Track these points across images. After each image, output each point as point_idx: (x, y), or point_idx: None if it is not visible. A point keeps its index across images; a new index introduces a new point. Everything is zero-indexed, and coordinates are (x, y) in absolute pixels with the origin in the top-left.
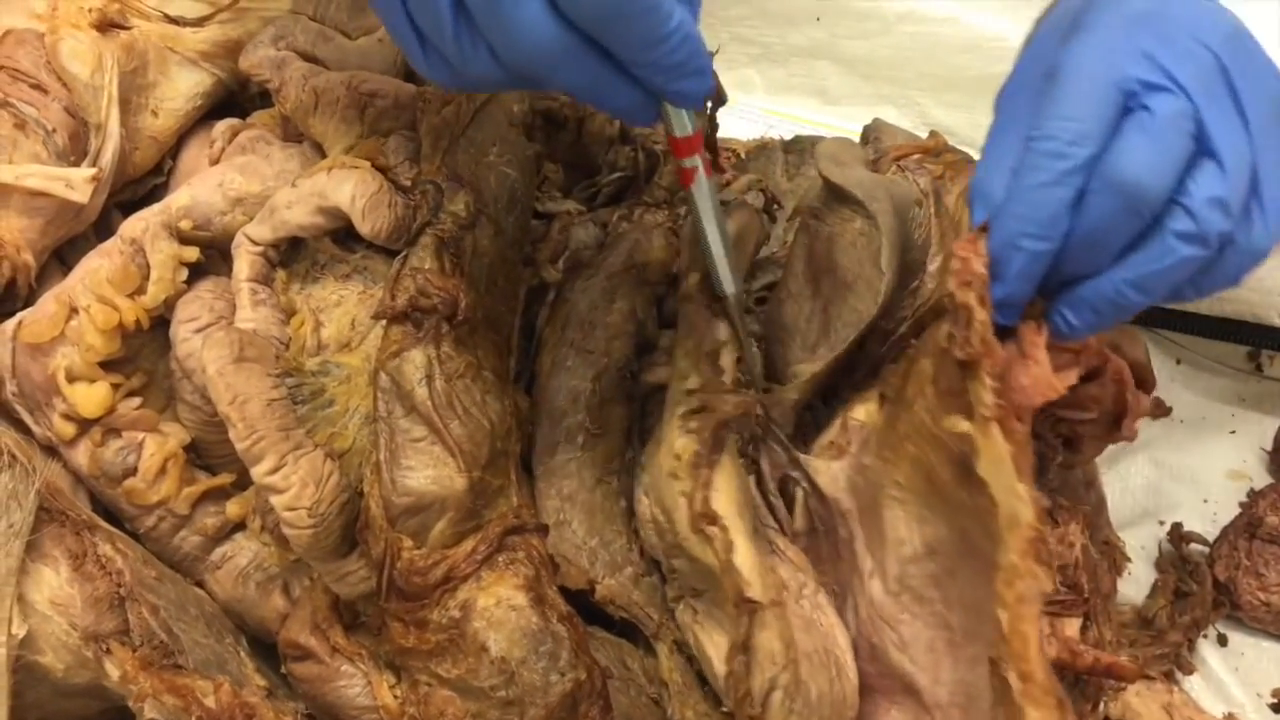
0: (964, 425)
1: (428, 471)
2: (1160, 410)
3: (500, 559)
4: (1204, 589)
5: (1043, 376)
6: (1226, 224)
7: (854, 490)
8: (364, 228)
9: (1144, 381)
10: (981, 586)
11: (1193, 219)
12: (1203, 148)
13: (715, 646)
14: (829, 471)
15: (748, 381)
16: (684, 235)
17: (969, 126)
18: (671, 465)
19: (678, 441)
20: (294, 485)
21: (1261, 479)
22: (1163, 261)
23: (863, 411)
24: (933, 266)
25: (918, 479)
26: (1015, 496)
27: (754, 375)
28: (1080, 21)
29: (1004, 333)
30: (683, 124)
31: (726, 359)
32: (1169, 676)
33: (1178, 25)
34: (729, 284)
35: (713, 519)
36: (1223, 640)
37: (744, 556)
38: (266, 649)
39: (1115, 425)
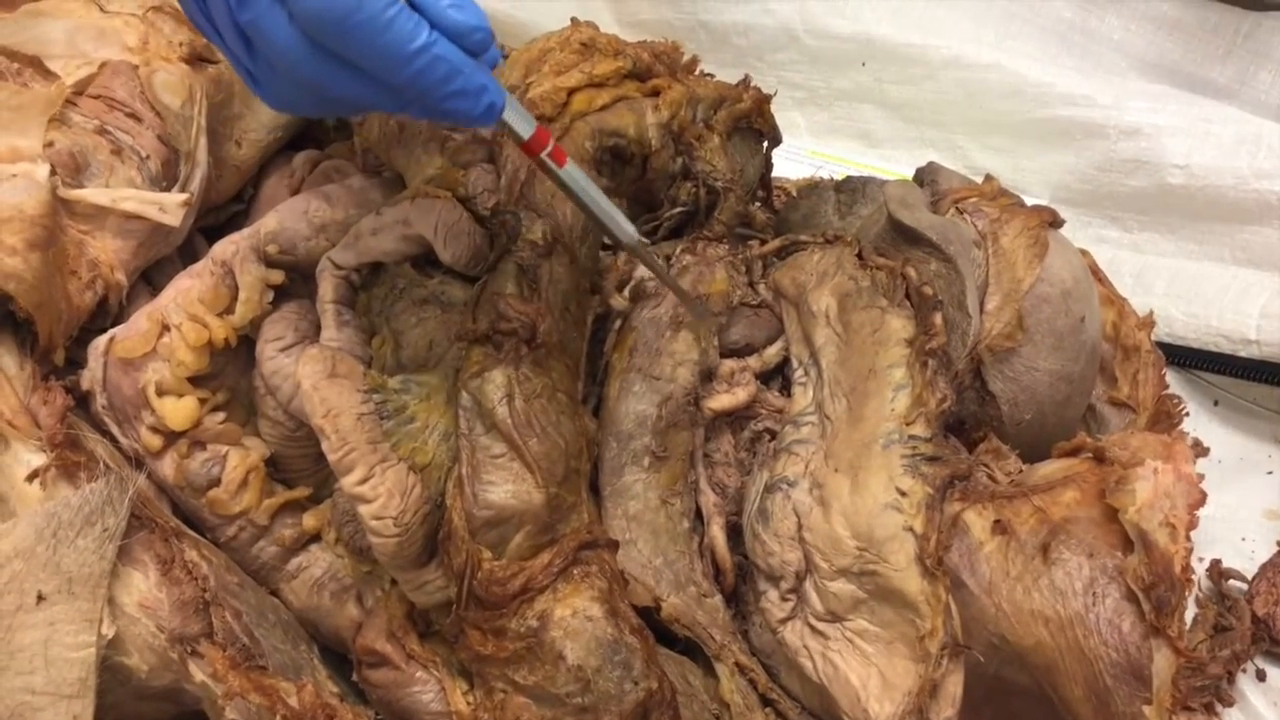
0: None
1: (508, 486)
2: (1199, 451)
3: (575, 572)
4: (1243, 624)
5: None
6: None
7: None
8: (445, 255)
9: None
10: None
11: None
12: None
13: (859, 676)
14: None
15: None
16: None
17: (1011, 170)
18: (893, 499)
19: (905, 480)
20: (381, 495)
21: None
22: None
23: (978, 526)
24: (990, 305)
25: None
26: None
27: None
28: None
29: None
30: (516, 132)
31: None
32: (1209, 708)
33: None
34: (632, 231)
35: (940, 562)
36: (1261, 675)
37: (954, 605)
38: (335, 659)
39: None
